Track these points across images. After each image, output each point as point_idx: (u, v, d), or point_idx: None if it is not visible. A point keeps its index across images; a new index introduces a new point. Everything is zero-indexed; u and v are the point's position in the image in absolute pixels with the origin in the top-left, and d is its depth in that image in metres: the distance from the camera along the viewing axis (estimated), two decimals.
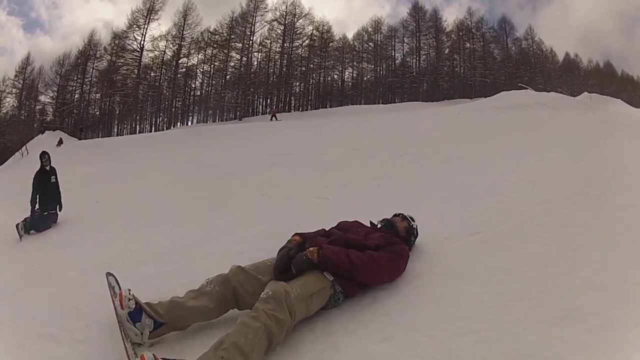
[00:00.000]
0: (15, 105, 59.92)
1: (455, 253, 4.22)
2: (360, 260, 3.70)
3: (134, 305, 3.39)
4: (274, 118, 43.74)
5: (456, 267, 3.90)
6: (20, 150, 43.10)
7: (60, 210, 10.56)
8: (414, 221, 4.42)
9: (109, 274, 3.92)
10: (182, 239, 6.54)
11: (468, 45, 65.39)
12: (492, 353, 2.76)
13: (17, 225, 9.92)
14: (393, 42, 67.05)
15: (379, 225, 4.42)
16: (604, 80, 61.33)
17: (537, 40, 64.93)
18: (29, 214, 10.27)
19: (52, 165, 10.84)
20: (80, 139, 51.12)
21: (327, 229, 4.28)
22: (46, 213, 10.30)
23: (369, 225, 4.43)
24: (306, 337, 3.35)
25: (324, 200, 7.18)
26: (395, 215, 4.48)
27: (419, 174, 8.73)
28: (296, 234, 4.09)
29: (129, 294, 3.43)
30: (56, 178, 10.74)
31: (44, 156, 10.75)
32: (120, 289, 3.67)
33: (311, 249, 3.72)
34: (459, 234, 4.64)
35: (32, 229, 10.07)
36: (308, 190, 8.59)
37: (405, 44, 66.82)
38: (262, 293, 3.27)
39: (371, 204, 6.65)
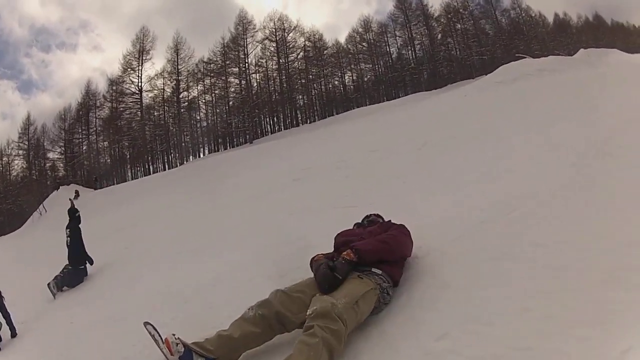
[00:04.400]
0: (24, 166, 61.20)
1: (495, 234, 4.24)
2: (388, 237, 4.00)
3: (183, 349, 3.44)
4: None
5: (499, 249, 3.91)
6: (38, 209, 43.32)
7: (91, 264, 10.55)
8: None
9: (146, 324, 3.88)
10: (220, 270, 6.56)
11: (459, 26, 65.31)
12: (550, 327, 2.78)
13: (48, 285, 9.95)
14: (386, 38, 67.40)
15: (365, 222, 4.78)
16: (597, 32, 61.56)
17: (525, 7, 65.11)
18: (59, 271, 10.27)
19: (71, 221, 10.84)
20: (95, 188, 51.57)
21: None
22: (81, 267, 10.35)
23: (356, 227, 4.78)
24: (363, 346, 3.38)
25: (353, 208, 6.98)
26: (369, 215, 4.94)
27: (442, 162, 8.63)
28: (316, 255, 4.19)
29: (175, 338, 3.47)
30: (71, 234, 10.72)
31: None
32: (159, 335, 3.69)
33: (345, 252, 3.86)
34: (494, 215, 4.66)
35: (64, 286, 10.09)
36: (335, 200, 8.48)
37: (398, 38, 67.01)
38: (309, 310, 3.31)
39: (402, 202, 6.67)
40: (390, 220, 4.56)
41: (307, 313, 3.28)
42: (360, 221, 4.91)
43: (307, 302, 3.54)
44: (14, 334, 8.31)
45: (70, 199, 13.23)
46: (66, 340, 6.32)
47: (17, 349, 7.60)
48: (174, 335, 3.50)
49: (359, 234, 4.34)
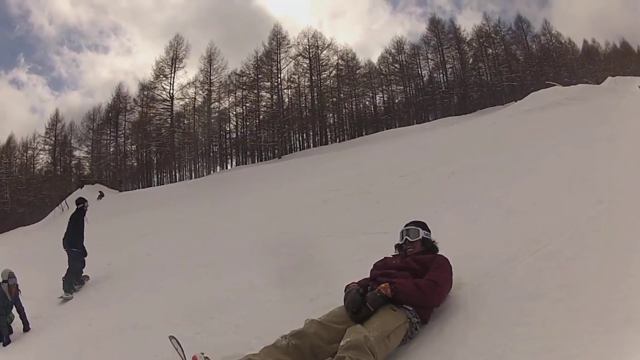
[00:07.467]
0: (49, 161, 61.92)
1: (522, 273, 4.29)
2: (426, 286, 3.93)
3: None
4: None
5: (525, 288, 3.97)
6: (60, 205, 43.55)
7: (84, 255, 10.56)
8: (423, 229, 4.73)
9: (171, 337, 3.92)
10: (245, 287, 6.55)
11: (490, 50, 65.09)
12: None
13: (60, 297, 9.93)
14: (418, 60, 67.29)
15: (403, 247, 4.64)
16: (624, 60, 60.95)
17: (555, 34, 64.87)
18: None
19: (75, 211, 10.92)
20: (120, 190, 52.11)
21: (368, 276, 4.42)
22: (74, 250, 10.39)
23: (396, 253, 4.70)
24: None
25: (384, 234, 6.81)
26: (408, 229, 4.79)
27: (470, 192, 8.63)
28: (351, 282, 4.23)
29: (204, 357, 3.51)
30: (70, 220, 10.83)
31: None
32: (182, 351, 3.74)
33: (383, 285, 3.90)
34: (521, 252, 4.69)
35: (74, 283, 10.11)
36: (366, 225, 8.43)
37: (430, 60, 66.91)
38: (342, 341, 3.39)
39: (433, 232, 6.69)
40: (439, 255, 4.45)
41: (341, 344, 3.38)
42: (401, 242, 4.75)
43: (341, 332, 3.57)
44: (26, 328, 8.53)
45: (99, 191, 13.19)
46: (83, 343, 6.35)
47: (31, 345, 7.67)
48: (202, 354, 3.55)
49: (396, 267, 4.31)
